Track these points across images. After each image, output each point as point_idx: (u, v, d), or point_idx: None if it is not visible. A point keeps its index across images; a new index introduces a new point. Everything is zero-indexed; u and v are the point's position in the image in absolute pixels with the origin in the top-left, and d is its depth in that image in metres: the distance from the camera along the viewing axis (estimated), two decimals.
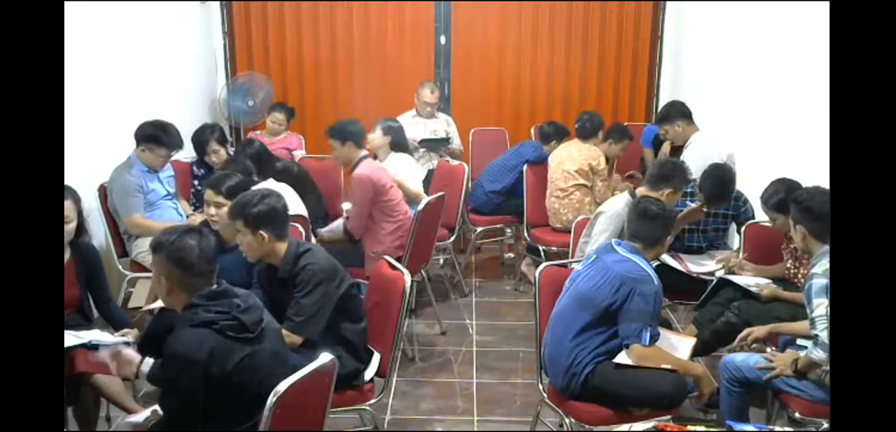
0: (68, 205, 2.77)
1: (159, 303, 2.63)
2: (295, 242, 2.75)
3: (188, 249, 2.11)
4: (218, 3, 5.94)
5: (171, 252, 2.12)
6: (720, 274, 3.44)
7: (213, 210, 3.02)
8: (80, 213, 2.86)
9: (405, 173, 4.52)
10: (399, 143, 4.64)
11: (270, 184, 3.69)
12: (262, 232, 2.63)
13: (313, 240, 3.74)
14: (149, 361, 2.38)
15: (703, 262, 3.70)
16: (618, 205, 3.55)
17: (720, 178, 3.58)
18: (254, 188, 2.93)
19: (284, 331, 2.49)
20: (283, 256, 2.69)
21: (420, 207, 3.86)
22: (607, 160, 5.00)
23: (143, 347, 2.66)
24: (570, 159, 4.63)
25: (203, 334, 2.03)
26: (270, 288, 2.76)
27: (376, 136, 4.61)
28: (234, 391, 2.06)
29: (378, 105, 5.71)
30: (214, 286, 2.15)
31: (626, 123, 5.99)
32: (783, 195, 3.11)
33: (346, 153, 4.06)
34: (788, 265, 3.32)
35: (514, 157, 5.06)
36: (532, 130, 5.86)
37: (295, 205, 3.75)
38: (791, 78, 4.04)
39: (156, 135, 3.81)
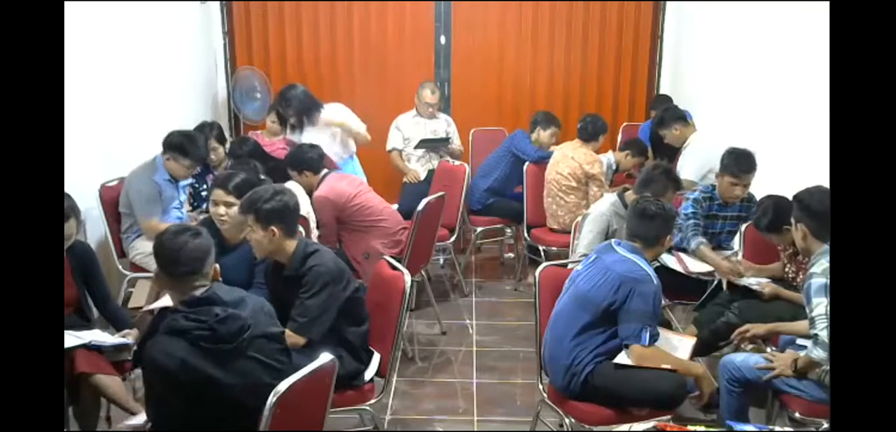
0: (72, 223, 2.78)
1: (159, 304, 2.63)
2: (303, 241, 2.74)
3: (173, 248, 2.09)
4: (218, 2, 5.93)
5: (158, 249, 2.13)
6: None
7: (222, 209, 2.97)
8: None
9: (343, 114, 4.85)
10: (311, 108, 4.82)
11: (291, 185, 3.68)
12: (273, 227, 2.62)
13: (314, 237, 3.73)
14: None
15: (704, 262, 3.69)
16: (602, 206, 3.56)
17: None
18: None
19: (288, 332, 2.49)
20: (291, 254, 2.69)
21: (420, 207, 3.86)
22: (617, 169, 4.99)
23: (141, 347, 2.66)
24: (564, 161, 4.61)
25: (175, 344, 1.99)
26: (276, 286, 2.75)
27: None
28: (208, 400, 2.02)
29: (378, 105, 5.72)
30: (199, 291, 2.10)
31: (626, 123, 6.03)
32: (772, 215, 3.10)
33: (306, 181, 3.97)
34: (787, 268, 3.32)
35: (501, 149, 5.12)
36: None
37: (303, 204, 3.75)
38: (791, 77, 4.03)
39: (183, 145, 3.77)
